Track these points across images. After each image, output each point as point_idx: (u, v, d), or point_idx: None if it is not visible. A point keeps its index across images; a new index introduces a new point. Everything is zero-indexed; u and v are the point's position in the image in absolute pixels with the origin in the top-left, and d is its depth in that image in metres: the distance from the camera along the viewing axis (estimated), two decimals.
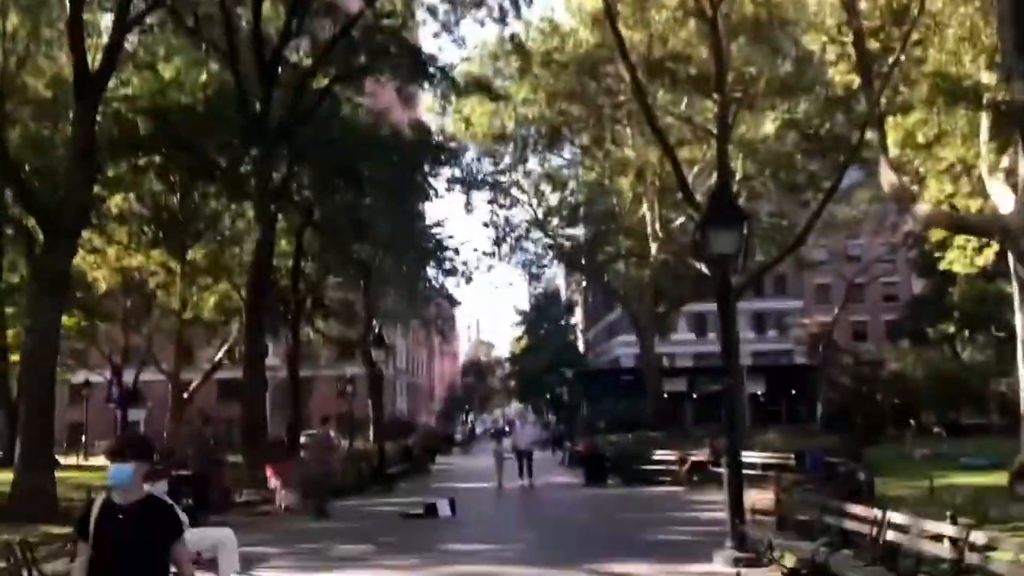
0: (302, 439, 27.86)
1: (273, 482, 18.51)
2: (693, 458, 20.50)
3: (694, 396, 44.52)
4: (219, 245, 35.24)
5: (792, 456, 18.05)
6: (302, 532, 14.30)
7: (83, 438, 45.80)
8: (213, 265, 35.06)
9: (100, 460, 33.71)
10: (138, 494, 3.90)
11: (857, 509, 8.01)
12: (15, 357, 31.42)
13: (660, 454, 22.27)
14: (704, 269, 29.09)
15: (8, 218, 26.97)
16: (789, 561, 8.59)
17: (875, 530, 7.30)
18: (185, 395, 40.91)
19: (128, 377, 48.66)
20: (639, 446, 24.65)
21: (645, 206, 37.11)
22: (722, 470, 19.07)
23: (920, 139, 20.86)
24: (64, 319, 38.87)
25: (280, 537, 13.48)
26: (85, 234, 30.15)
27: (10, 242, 30.72)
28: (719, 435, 25.17)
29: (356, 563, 11.00)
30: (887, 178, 16.03)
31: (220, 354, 41.25)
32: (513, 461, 23.33)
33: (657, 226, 36.47)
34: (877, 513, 7.42)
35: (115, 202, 32.68)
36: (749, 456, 15.69)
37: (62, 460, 36.32)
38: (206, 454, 17.50)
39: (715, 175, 31.85)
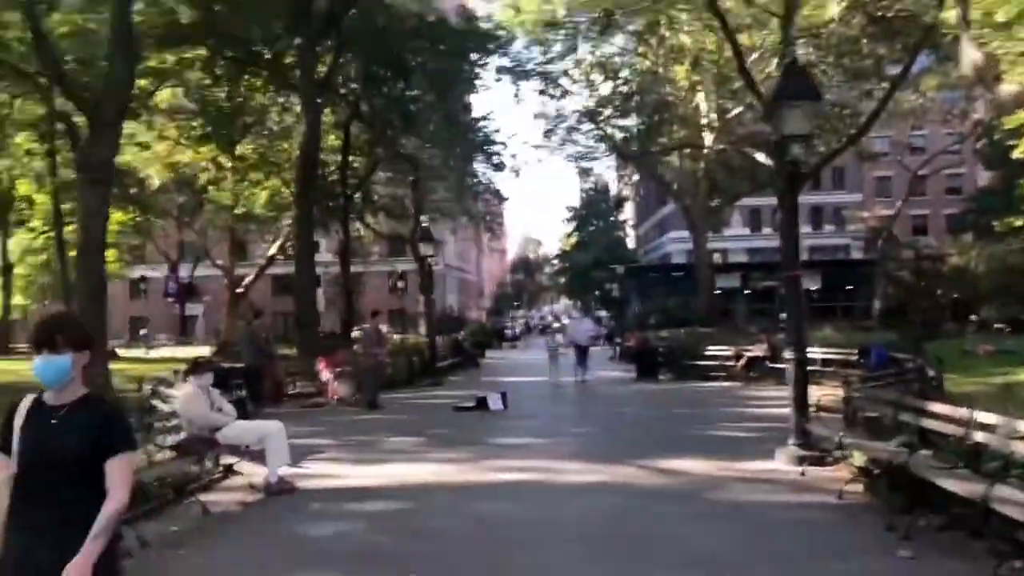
0: (354, 333, 27.96)
1: (325, 375, 18.51)
2: (749, 353, 19.96)
3: (747, 292, 43.83)
4: (267, 140, 34.93)
5: (855, 351, 17.39)
6: (354, 424, 14.22)
7: (143, 331, 46.94)
8: (262, 160, 34.86)
9: (161, 352, 34.51)
10: (75, 392, 3.07)
11: (939, 407, 7.42)
12: (73, 252, 31.89)
13: (714, 349, 21.74)
14: (763, 159, 27.94)
15: (58, 113, 26.73)
16: (859, 460, 8.09)
17: (961, 430, 6.71)
18: (239, 290, 41.36)
19: (185, 272, 49.57)
20: (692, 341, 24.14)
21: (700, 95, 35.60)
22: (779, 366, 18.66)
23: (1000, 17, 19.22)
24: (119, 214, 39.65)
25: (332, 429, 13.41)
26: (133, 128, 30.07)
27: (62, 138, 30.62)
28: (774, 330, 24.64)
29: (407, 455, 10.81)
30: (969, 56, 14.72)
31: (273, 249, 41.48)
32: (567, 356, 23.02)
33: (713, 116, 35.05)
34: (963, 412, 6.81)
35: (163, 97, 32.38)
36: (809, 351, 15.08)
37: (124, 353, 37.36)
38: (259, 347, 17.38)
39: (774, 62, 30.23)
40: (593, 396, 19.11)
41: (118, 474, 2.96)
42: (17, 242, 39.94)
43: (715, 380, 20.26)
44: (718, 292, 40.12)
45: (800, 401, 9.27)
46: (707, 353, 21.73)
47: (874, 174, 61.38)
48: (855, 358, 17.07)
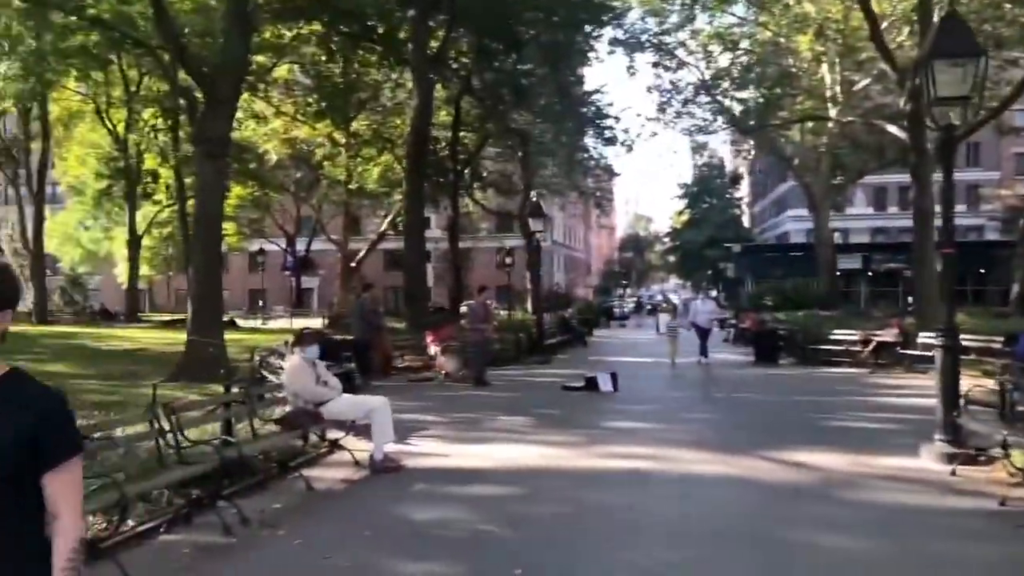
0: (462, 308, 27.85)
1: (433, 349, 18.32)
2: (878, 338, 18.63)
3: (869, 274, 41.76)
4: (381, 116, 35.14)
5: (996, 338, 15.94)
6: (460, 400, 13.91)
7: (260, 303, 48.25)
8: (375, 136, 35.12)
9: (277, 323, 35.37)
10: None
11: None
12: None
13: (838, 333, 20.43)
14: (896, 131, 26.23)
15: (180, 88, 27.40)
16: (1020, 460, 7.16)
17: None
18: (353, 264, 42.05)
19: (301, 246, 50.76)
20: (814, 324, 22.86)
21: (825, 67, 33.85)
22: (910, 352, 17.38)
23: None
24: (239, 189, 40.73)
25: (438, 405, 13.12)
26: (247, 100, 30.63)
27: (185, 113, 31.53)
28: (900, 314, 23.11)
29: (514, 436, 10.36)
30: None
31: (385, 225, 41.96)
32: (684, 337, 21.98)
33: (837, 89, 33.27)
34: None
35: (280, 73, 32.93)
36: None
37: (242, 323, 38.45)
38: (368, 320, 17.30)
39: (906, 31, 28.29)
40: (709, 380, 18.20)
41: (67, 493, 2.00)
42: (143, 215, 41.55)
43: (839, 366, 19.04)
44: (838, 273, 38.35)
45: (949, 392, 8.32)
46: (831, 337, 20.44)
47: (1014, 150, 57.39)
48: (998, 346, 15.63)
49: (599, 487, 7.66)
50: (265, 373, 11.99)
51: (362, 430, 8.83)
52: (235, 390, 8.62)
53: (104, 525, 5.92)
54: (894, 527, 6.21)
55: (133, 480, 6.40)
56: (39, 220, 36.12)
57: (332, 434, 9.05)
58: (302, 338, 9.23)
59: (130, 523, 6.21)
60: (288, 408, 8.70)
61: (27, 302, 40.43)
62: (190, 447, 6.76)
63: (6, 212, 49.96)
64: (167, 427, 6.56)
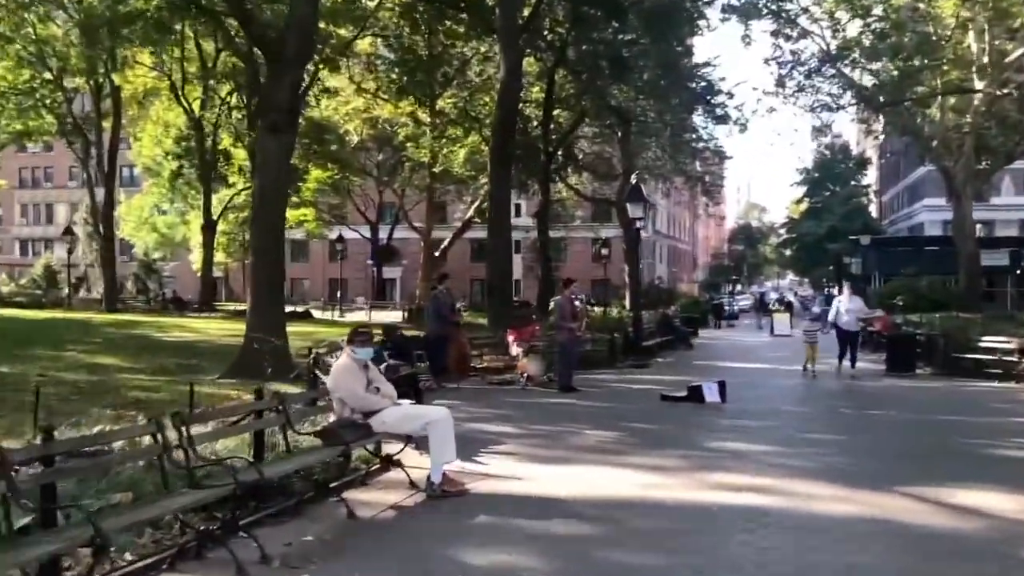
0: (551, 304, 26.95)
1: (515, 349, 17.42)
2: None
3: (1018, 272, 39.09)
4: (468, 93, 34.55)
5: None
6: (542, 409, 13.00)
7: (339, 293, 48.24)
8: (461, 115, 34.55)
9: (355, 316, 35.21)
10: None
11: None
12: None
13: (988, 340, 18.57)
14: None
15: (254, 65, 27.26)
16: None
17: None
18: (436, 253, 41.67)
19: (382, 234, 50.77)
20: (958, 329, 20.95)
21: (971, 35, 31.55)
22: None
23: None
24: (318, 172, 40.78)
25: (516, 414, 12.27)
26: (325, 77, 30.33)
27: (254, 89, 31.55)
28: None
29: (602, 456, 9.34)
30: None
31: (471, 211, 41.45)
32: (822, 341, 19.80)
33: (985, 59, 30.95)
34: None
35: (362, 47, 32.66)
36: None
37: (319, 315, 38.45)
38: (443, 314, 16.52)
39: None
40: (836, 392, 16.60)
41: None
42: (219, 199, 41.98)
43: (989, 379, 17.28)
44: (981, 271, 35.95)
45: None
46: (981, 345, 18.58)
47: None
48: None
49: (702, 530, 6.58)
50: (318, 373, 11.27)
51: (424, 442, 7.97)
52: (284, 388, 7.88)
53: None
54: None
55: (143, 504, 5.69)
56: (110, 202, 36.78)
57: (393, 446, 8.23)
58: (355, 335, 8.34)
59: (128, 557, 5.49)
60: (332, 417, 7.90)
61: (97, 289, 41.50)
62: (204, 465, 5.98)
63: (82, 195, 51.36)
64: (175, 441, 5.81)
